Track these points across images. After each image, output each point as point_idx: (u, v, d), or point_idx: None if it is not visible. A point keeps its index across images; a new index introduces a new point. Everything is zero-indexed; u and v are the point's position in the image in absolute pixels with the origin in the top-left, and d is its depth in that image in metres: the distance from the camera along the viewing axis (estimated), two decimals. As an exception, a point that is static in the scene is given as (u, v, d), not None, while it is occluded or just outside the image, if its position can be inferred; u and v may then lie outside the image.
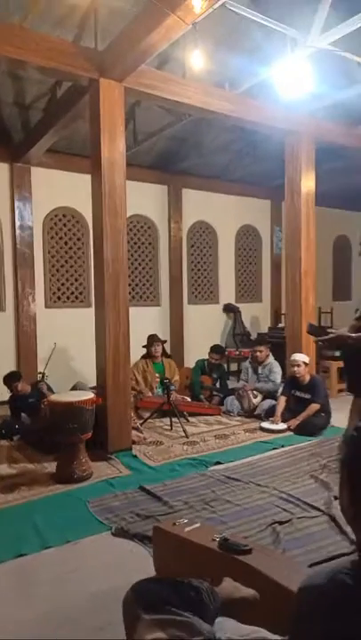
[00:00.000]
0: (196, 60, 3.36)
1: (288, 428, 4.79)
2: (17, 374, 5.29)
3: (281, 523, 2.87)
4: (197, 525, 2.31)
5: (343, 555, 2.40)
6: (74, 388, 4.86)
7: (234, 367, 7.86)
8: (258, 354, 5.60)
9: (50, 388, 5.11)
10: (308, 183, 5.36)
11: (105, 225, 4.03)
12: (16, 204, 6.22)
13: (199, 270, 8.19)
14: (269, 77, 4.43)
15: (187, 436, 4.67)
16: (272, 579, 1.74)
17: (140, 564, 2.52)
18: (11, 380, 5.16)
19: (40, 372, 5.25)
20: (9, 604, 2.24)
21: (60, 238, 6.72)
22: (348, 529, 2.12)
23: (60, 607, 2.20)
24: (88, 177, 6.00)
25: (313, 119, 5.29)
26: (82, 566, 2.52)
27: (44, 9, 4.01)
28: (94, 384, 5.23)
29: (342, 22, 3.74)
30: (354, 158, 6.52)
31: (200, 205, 8.00)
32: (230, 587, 1.54)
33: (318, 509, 3.03)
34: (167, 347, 6.37)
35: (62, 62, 3.78)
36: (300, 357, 4.94)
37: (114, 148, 4.06)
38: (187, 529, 2.28)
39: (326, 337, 3.04)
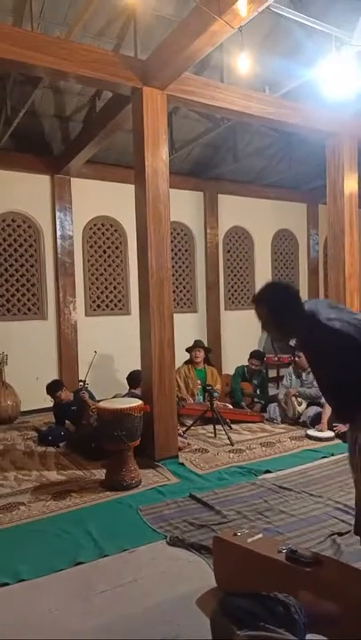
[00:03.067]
0: (243, 63, 3.33)
1: (336, 436, 4.65)
2: (59, 383, 5.36)
3: (341, 534, 2.77)
4: (260, 536, 2.26)
5: None
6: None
7: (273, 374, 7.73)
8: (299, 359, 5.47)
9: (92, 396, 5.14)
10: (351, 184, 5.24)
11: (149, 232, 4.04)
12: (57, 214, 6.33)
13: (235, 276, 8.13)
14: (311, 79, 4.38)
15: (232, 444, 4.60)
16: (350, 592, 1.66)
17: (199, 574, 2.47)
18: (53, 389, 5.24)
19: (81, 381, 5.31)
20: (69, 615, 2.22)
21: (99, 247, 6.80)
22: None
23: (122, 618, 2.17)
24: (125, 186, 6.10)
25: (356, 120, 5.18)
26: (140, 576, 2.49)
27: (85, 22, 4.09)
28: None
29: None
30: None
31: (236, 211, 7.96)
32: (310, 601, 1.48)
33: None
34: (206, 353, 6.32)
35: (107, 72, 3.83)
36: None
37: (157, 156, 4.07)
38: (249, 539, 2.23)
39: None
